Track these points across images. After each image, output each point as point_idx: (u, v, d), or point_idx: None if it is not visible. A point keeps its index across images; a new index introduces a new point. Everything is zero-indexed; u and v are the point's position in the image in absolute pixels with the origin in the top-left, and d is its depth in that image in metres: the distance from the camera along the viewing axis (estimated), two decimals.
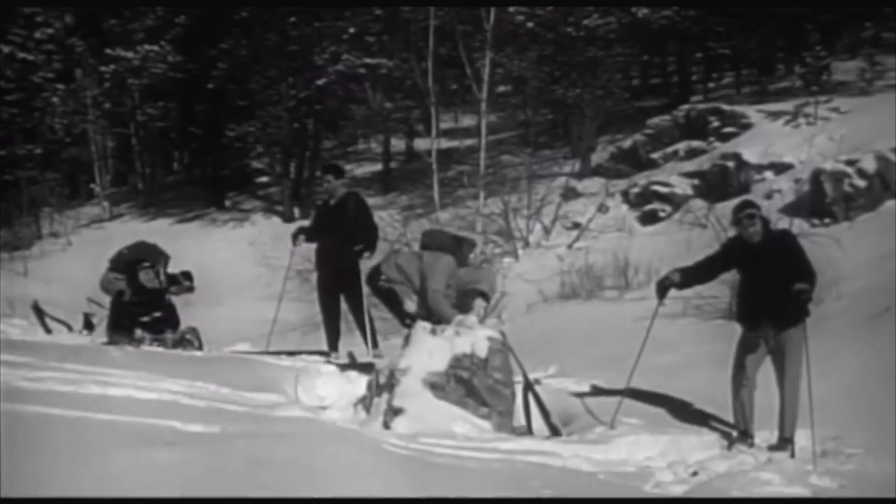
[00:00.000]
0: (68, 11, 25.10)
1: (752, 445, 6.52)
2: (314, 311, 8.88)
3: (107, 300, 9.19)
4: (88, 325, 9.59)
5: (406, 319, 7.38)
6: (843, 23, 21.54)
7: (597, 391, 7.81)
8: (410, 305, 7.24)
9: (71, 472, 3.83)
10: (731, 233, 12.35)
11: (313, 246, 8.93)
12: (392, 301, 7.49)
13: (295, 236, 8.96)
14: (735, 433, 6.65)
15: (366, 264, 8.64)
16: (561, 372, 8.42)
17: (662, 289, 6.96)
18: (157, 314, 8.60)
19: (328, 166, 10.62)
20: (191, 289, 9.50)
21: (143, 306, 8.60)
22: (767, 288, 6.47)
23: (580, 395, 7.62)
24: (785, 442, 6.43)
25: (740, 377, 6.64)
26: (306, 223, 9.83)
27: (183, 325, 8.92)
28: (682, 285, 7.03)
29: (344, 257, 8.38)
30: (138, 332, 8.49)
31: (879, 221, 13.59)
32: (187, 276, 9.48)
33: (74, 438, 4.38)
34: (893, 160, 14.34)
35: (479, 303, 7.37)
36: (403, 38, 22.73)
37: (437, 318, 7.01)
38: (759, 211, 6.81)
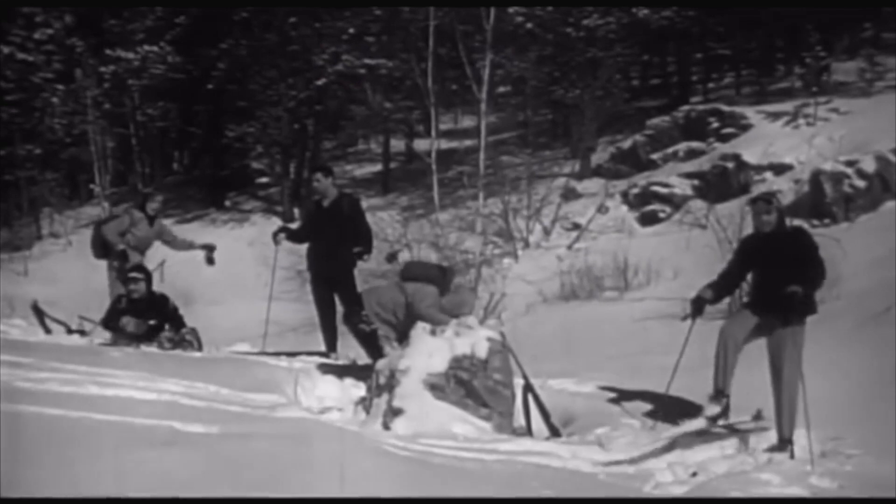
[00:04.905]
0: (68, 12, 25.09)
1: (727, 407, 6.36)
2: (313, 311, 8.89)
3: (98, 315, 9.21)
4: (81, 333, 9.58)
5: None
6: (842, 23, 21.55)
7: (600, 391, 7.82)
8: (390, 352, 7.03)
9: (71, 472, 3.83)
10: (731, 232, 12.45)
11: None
12: (371, 345, 7.33)
13: (275, 235, 8.99)
14: (711, 392, 6.46)
15: (363, 266, 8.66)
16: (561, 372, 8.42)
17: (697, 308, 6.83)
18: (152, 322, 8.59)
19: (317, 166, 10.63)
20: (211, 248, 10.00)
21: (138, 314, 8.59)
22: (776, 283, 6.45)
23: (621, 399, 7.59)
24: (784, 443, 6.41)
25: (725, 336, 6.46)
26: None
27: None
28: (715, 300, 7.00)
29: (338, 258, 8.39)
30: (124, 320, 8.50)
31: (879, 222, 13.63)
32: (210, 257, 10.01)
33: (74, 439, 4.38)
34: (893, 161, 14.38)
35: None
36: (403, 39, 22.76)
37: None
38: (778, 203, 6.79)
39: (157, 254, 10.08)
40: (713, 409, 6.34)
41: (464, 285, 8.55)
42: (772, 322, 6.49)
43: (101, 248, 9.55)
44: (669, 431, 6.43)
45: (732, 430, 6.70)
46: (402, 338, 7.08)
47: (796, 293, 6.19)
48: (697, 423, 6.42)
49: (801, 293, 6.21)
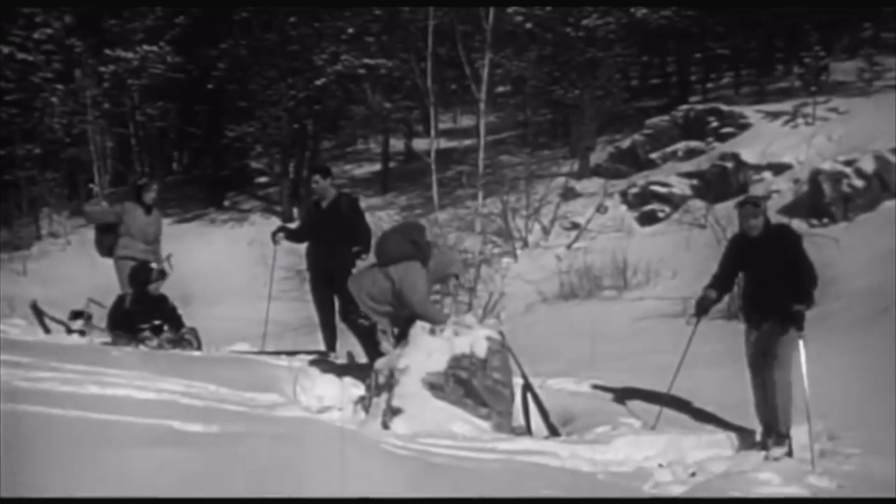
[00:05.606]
0: (68, 12, 25.09)
1: (790, 448, 6.34)
2: (313, 311, 8.90)
3: (107, 298, 9.19)
4: (81, 333, 9.58)
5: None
6: (842, 23, 21.56)
7: (600, 391, 7.82)
8: (387, 347, 7.00)
9: (71, 472, 3.83)
10: (730, 232, 12.44)
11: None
12: (371, 341, 7.19)
13: (274, 235, 9.03)
14: (759, 434, 6.56)
15: (362, 266, 8.67)
16: (560, 372, 8.43)
17: (703, 308, 6.91)
18: (157, 322, 8.60)
19: (315, 167, 10.70)
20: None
21: (143, 314, 8.60)
22: (766, 284, 6.47)
23: (620, 399, 7.60)
24: (781, 438, 6.42)
25: (757, 381, 6.61)
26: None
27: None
28: (719, 299, 7.08)
29: (337, 258, 8.40)
30: (146, 334, 8.47)
31: (878, 221, 13.62)
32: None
33: (74, 438, 4.38)
34: (892, 160, 14.38)
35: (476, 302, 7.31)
36: (403, 39, 22.75)
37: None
38: (764, 206, 6.81)
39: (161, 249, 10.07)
40: (778, 452, 6.32)
41: (441, 246, 8.24)
42: (770, 328, 6.51)
43: (104, 244, 9.60)
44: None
45: (732, 430, 6.72)
46: (402, 324, 7.02)
47: (799, 312, 6.25)
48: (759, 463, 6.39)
49: (803, 310, 6.28)
